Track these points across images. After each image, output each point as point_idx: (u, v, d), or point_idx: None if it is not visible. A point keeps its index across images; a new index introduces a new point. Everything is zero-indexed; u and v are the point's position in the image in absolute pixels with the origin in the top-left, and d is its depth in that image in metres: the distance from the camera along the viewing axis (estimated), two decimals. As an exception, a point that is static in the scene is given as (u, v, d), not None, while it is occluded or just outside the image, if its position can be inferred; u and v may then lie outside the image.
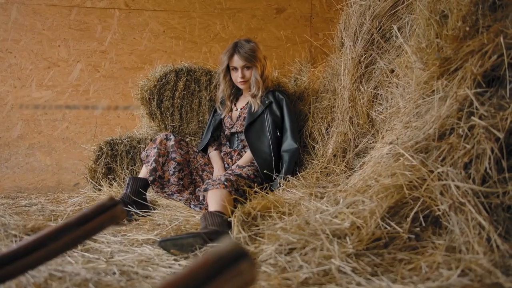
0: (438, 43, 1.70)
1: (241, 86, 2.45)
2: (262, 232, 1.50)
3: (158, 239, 1.64)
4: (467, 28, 1.57)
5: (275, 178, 2.22)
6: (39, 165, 3.28)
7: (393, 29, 2.22)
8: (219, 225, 1.59)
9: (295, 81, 3.06)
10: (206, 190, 1.92)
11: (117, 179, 2.62)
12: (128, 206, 2.04)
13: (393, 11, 2.21)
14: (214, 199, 1.83)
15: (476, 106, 1.42)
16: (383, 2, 2.24)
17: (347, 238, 1.28)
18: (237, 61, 2.37)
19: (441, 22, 1.73)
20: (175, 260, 1.40)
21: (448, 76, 1.65)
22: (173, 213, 2.01)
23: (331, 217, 1.42)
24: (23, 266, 0.86)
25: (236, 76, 2.40)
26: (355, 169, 2.16)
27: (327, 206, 1.55)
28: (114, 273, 1.24)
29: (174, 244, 1.42)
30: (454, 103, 1.52)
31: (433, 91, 1.70)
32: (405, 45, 1.85)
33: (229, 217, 1.69)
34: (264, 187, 2.00)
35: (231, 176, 2.01)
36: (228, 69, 2.44)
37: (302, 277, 1.10)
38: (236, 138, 2.50)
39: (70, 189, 3.21)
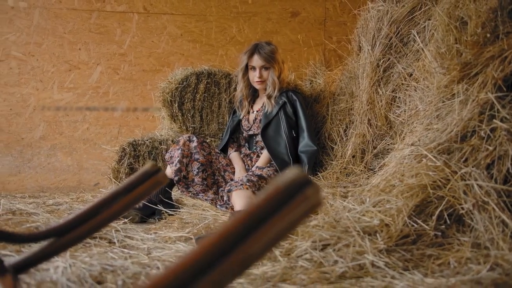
0: (457, 48, 1.76)
1: (257, 86, 2.52)
2: (292, 229, 1.57)
3: (191, 236, 1.72)
4: (488, 35, 1.63)
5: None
6: (61, 165, 3.36)
7: (410, 34, 2.29)
8: (249, 223, 1.66)
9: (310, 83, 3.13)
10: (229, 191, 1.99)
11: None
12: (156, 205, 2.12)
13: (411, 17, 2.29)
14: (240, 199, 1.90)
15: (497, 109, 1.48)
16: (401, 8, 2.31)
17: (377, 235, 1.35)
18: (256, 60, 2.44)
19: (460, 28, 1.80)
20: (210, 256, 1.48)
21: (468, 80, 1.72)
22: (200, 212, 2.08)
23: (359, 215, 1.49)
24: (82, 233, 0.94)
25: (254, 76, 2.47)
26: (374, 170, 2.23)
27: (353, 205, 1.62)
28: (158, 267, 1.31)
29: (210, 241, 1.49)
30: (476, 106, 1.58)
31: (453, 94, 1.76)
32: (426, 51, 1.92)
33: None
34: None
35: (252, 177, 2.09)
36: (246, 69, 2.52)
37: (339, 271, 1.17)
38: (254, 140, 2.57)
39: (90, 189, 3.29)
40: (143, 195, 0.98)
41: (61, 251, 0.96)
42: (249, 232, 0.47)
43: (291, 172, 0.53)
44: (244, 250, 0.46)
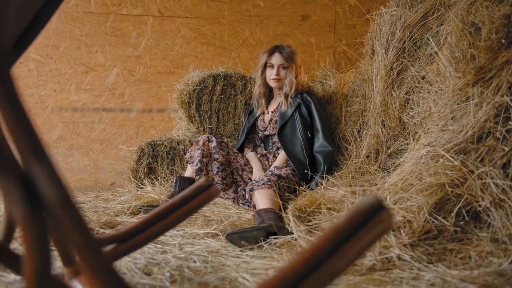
0: (472, 53, 1.85)
1: (272, 84, 2.59)
2: (318, 225, 1.65)
3: (217, 233, 1.80)
4: (503, 41, 1.71)
5: (310, 178, 2.37)
6: (78, 165, 3.44)
7: (423, 38, 2.37)
8: (274, 219, 1.74)
9: (322, 85, 3.21)
10: (251, 190, 2.07)
11: (158, 178, 2.78)
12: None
13: (424, 22, 2.36)
14: (263, 198, 1.98)
15: (512, 112, 1.56)
16: (414, 13, 2.39)
17: (401, 230, 1.43)
18: (276, 58, 2.53)
19: (474, 33, 1.89)
20: (240, 251, 1.56)
21: (482, 84, 1.80)
22: (222, 210, 2.16)
23: (381, 212, 1.57)
24: (141, 241, 1.03)
25: (271, 73, 2.56)
26: (389, 170, 2.31)
27: (374, 203, 1.70)
28: (195, 261, 1.39)
29: (240, 237, 1.57)
30: (491, 108, 1.66)
31: (468, 97, 1.84)
32: (441, 56, 2.00)
33: (279, 213, 1.85)
34: (308, 186, 2.15)
35: (272, 177, 2.17)
36: (265, 67, 2.60)
37: (368, 264, 1.25)
38: (270, 141, 2.65)
39: (107, 188, 3.37)
40: (197, 208, 1.06)
41: (122, 256, 1.04)
42: (335, 249, 0.55)
43: (369, 198, 0.61)
44: (332, 264, 0.54)
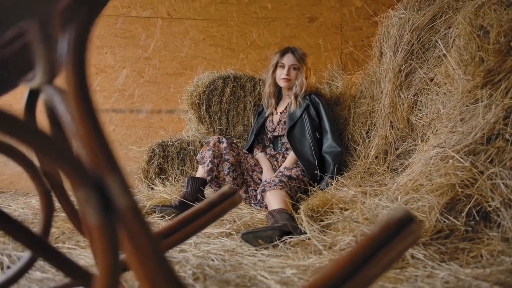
0: (480, 56, 1.88)
1: (281, 83, 2.63)
2: (330, 225, 1.69)
3: (232, 232, 1.84)
4: (512, 44, 1.75)
5: (319, 178, 2.41)
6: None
7: (431, 40, 2.41)
8: (287, 219, 1.78)
9: (329, 86, 3.24)
10: (263, 191, 2.11)
11: (169, 178, 2.82)
12: (194, 202, 2.24)
13: (432, 25, 2.40)
14: (275, 199, 2.01)
15: (522, 114, 1.60)
16: (422, 16, 2.42)
17: (413, 229, 1.47)
18: (288, 58, 2.58)
19: (482, 36, 1.92)
20: (256, 250, 1.59)
21: (491, 86, 1.83)
22: (234, 210, 2.20)
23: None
24: (167, 245, 1.07)
25: (281, 73, 2.60)
26: (398, 170, 2.35)
27: (385, 202, 1.74)
28: (213, 260, 1.43)
29: (255, 236, 1.61)
30: (501, 110, 1.70)
31: (477, 99, 1.88)
32: (450, 58, 2.03)
33: (291, 213, 1.89)
34: (318, 187, 2.19)
35: (283, 178, 2.21)
36: (276, 67, 2.64)
37: (383, 262, 1.29)
38: (279, 141, 2.69)
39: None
40: (221, 214, 1.10)
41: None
42: (370, 257, 0.59)
43: (400, 210, 0.66)
44: (367, 272, 0.58)
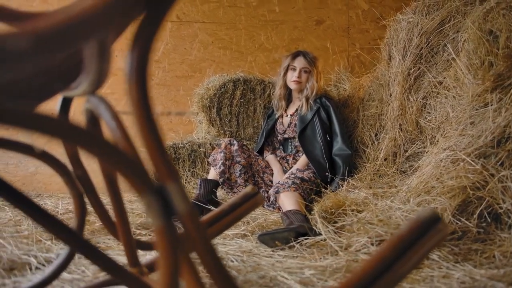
0: (490, 60, 1.92)
1: (292, 86, 2.67)
2: (344, 226, 1.73)
3: (247, 233, 1.88)
4: (522, 49, 1.78)
5: (330, 180, 2.45)
6: (99, 166, 3.52)
7: (440, 44, 2.45)
8: (302, 221, 1.82)
9: (337, 89, 3.28)
10: (277, 192, 2.15)
11: (180, 180, 2.86)
12: (207, 204, 2.28)
13: (440, 29, 2.44)
14: (289, 200, 2.05)
15: (532, 118, 1.63)
16: (431, 20, 2.46)
17: (427, 231, 1.51)
18: (299, 61, 2.62)
19: (492, 41, 1.96)
20: (272, 251, 1.63)
21: (501, 90, 1.87)
22: (247, 211, 2.24)
23: (406, 214, 1.65)
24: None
25: (292, 75, 2.64)
26: (407, 172, 2.39)
27: (398, 204, 1.78)
28: (232, 261, 1.47)
29: (272, 237, 1.65)
30: (510, 114, 1.74)
31: (486, 103, 1.92)
32: (459, 62, 2.07)
33: (306, 214, 1.93)
34: (331, 189, 2.23)
35: (296, 180, 2.25)
36: (287, 70, 2.68)
37: (399, 263, 1.33)
38: (290, 143, 2.73)
39: (126, 190, 3.45)
40: (243, 214, 1.14)
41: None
42: (401, 255, 0.63)
43: (428, 211, 0.70)
44: (398, 269, 0.62)
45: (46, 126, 0.44)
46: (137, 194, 0.50)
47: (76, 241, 0.85)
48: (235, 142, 2.52)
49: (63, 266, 0.93)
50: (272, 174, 2.60)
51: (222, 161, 2.44)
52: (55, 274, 0.91)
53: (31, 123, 0.42)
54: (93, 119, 0.80)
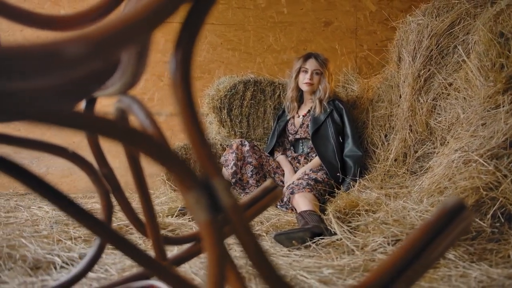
0: (501, 62, 1.95)
1: (304, 88, 2.70)
2: (358, 226, 1.76)
3: (261, 233, 1.91)
4: (533, 52, 1.81)
5: (341, 181, 2.48)
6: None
7: (450, 46, 2.47)
8: (317, 221, 1.84)
9: (346, 90, 3.31)
10: (292, 193, 2.18)
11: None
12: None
13: (450, 31, 2.46)
14: (303, 201, 2.08)
15: (544, 120, 1.66)
16: (441, 23, 2.48)
17: (442, 231, 1.53)
18: (311, 63, 2.65)
19: (503, 43, 1.98)
20: (288, 251, 1.66)
21: (512, 92, 1.90)
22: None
23: (420, 214, 1.68)
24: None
25: (304, 77, 2.67)
26: (417, 173, 2.41)
27: (411, 205, 1.80)
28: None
29: (288, 237, 1.67)
30: (523, 116, 1.76)
31: (498, 105, 1.94)
32: (470, 64, 2.10)
33: (320, 215, 1.95)
34: (345, 189, 2.26)
35: (310, 181, 2.27)
36: (299, 72, 2.71)
37: (416, 262, 1.36)
38: (301, 144, 2.76)
39: (135, 190, 3.48)
40: (263, 208, 1.17)
41: (195, 256, 1.15)
42: (428, 243, 0.66)
43: (453, 199, 0.72)
44: (427, 255, 0.65)
45: (107, 129, 0.47)
46: (185, 191, 0.53)
47: (108, 233, 0.88)
48: (246, 142, 2.55)
49: (97, 256, 0.96)
50: (283, 175, 2.63)
51: (234, 161, 2.47)
52: (92, 263, 0.94)
53: (89, 125, 0.45)
54: (123, 118, 0.83)
